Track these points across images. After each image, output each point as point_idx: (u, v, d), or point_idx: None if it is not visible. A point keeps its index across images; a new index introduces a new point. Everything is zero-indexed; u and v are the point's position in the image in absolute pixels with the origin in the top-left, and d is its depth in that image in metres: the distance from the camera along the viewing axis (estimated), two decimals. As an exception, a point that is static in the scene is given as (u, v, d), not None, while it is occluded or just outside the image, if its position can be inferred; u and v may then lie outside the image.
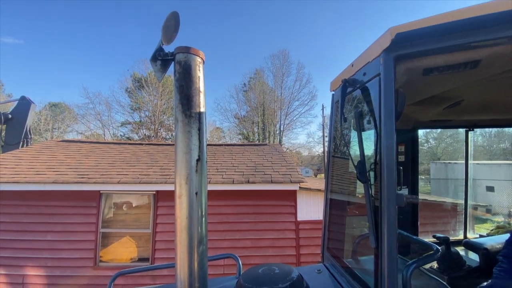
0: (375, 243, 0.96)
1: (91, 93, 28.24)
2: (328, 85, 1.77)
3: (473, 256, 1.93)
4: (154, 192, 4.95)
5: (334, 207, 1.64)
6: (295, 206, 5.15)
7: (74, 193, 4.85)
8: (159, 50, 1.09)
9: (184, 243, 0.93)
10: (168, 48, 1.13)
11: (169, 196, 4.96)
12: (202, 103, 1.06)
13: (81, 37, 39.45)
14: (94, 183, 4.68)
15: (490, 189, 11.32)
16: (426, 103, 1.75)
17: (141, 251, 4.98)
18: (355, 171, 1.18)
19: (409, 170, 2.26)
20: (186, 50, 1.03)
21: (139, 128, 28.38)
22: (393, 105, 1.03)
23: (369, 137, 1.23)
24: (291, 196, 5.13)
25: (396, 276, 0.90)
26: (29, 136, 7.16)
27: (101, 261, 4.86)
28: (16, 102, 7.17)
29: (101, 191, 4.90)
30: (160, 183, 4.74)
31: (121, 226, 5.04)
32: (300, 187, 4.91)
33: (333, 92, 1.69)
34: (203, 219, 0.97)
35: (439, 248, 1.08)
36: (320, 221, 4.88)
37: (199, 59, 1.06)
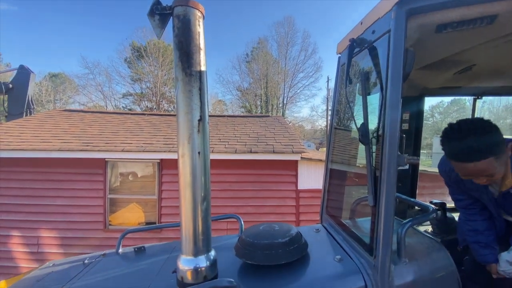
0: (373, 201, 0.99)
1: (90, 62, 27.60)
2: (335, 56, 1.70)
3: None
4: (158, 161, 5.05)
5: (334, 171, 1.67)
6: (296, 176, 5.25)
7: (80, 161, 4.96)
8: (157, 3, 1.03)
9: (188, 199, 0.96)
10: (167, 2, 1.07)
11: (173, 164, 5.06)
12: (202, 61, 1.03)
13: (77, 3, 37.57)
14: (99, 151, 4.76)
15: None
16: (435, 67, 1.69)
17: (148, 216, 5.22)
18: (358, 135, 1.18)
19: (411, 139, 2.25)
20: (185, 2, 0.97)
21: (140, 100, 28.10)
22: (402, 64, 0.99)
23: (374, 100, 1.21)
24: (292, 165, 5.21)
25: (391, 234, 0.94)
26: (32, 107, 7.16)
27: (110, 225, 5.13)
28: (15, 72, 7.06)
29: (106, 159, 5.00)
30: (164, 151, 4.80)
31: (128, 193, 5.23)
32: (301, 157, 4.96)
33: (339, 55, 1.63)
34: (206, 177, 0.99)
35: (435, 208, 1.11)
36: (319, 190, 5.02)
37: (198, 13, 1.00)
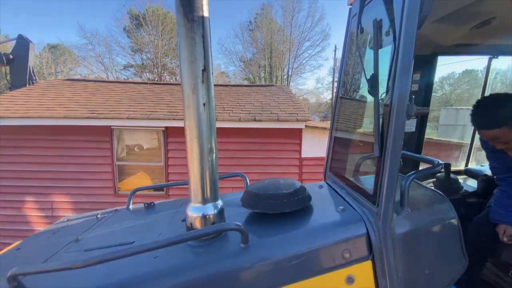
0: (379, 152, 0.99)
1: (88, 32, 26.72)
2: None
3: (472, 183, 2.00)
4: (163, 128, 5.08)
5: (340, 132, 1.66)
6: (300, 144, 5.28)
7: (86, 129, 5.02)
8: None
9: (195, 151, 0.97)
10: None
11: (178, 132, 5.09)
12: (205, 7, 0.97)
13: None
14: (104, 118, 4.78)
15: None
16: (451, 21, 1.58)
17: (155, 183, 5.39)
18: (366, 90, 1.15)
19: (420, 100, 2.19)
20: None
21: (142, 72, 27.50)
22: (418, 7, 0.92)
23: (385, 55, 1.15)
24: (296, 134, 5.21)
25: (395, 183, 0.94)
26: (34, 78, 7.09)
27: (119, 190, 5.33)
28: (14, 42, 6.90)
29: (112, 127, 5.04)
30: (168, 119, 4.81)
31: (135, 160, 5.36)
32: (306, 126, 4.94)
33: (350, 6, 1.52)
34: (212, 130, 0.99)
35: (441, 162, 1.11)
36: (323, 158, 5.07)
37: None
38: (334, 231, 0.96)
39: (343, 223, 0.99)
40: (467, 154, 2.44)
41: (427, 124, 2.39)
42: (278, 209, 1.04)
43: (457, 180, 1.90)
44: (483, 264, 1.67)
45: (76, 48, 26.81)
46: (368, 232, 0.96)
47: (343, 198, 1.21)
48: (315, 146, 5.33)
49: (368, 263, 0.94)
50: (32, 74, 7.02)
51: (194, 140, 0.97)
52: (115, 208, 1.64)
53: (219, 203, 1.03)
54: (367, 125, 1.49)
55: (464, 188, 1.93)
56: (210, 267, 0.84)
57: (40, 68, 24.45)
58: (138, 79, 27.43)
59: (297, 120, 4.85)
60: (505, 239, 1.38)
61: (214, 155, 1.01)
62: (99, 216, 1.51)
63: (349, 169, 1.54)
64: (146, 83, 8.25)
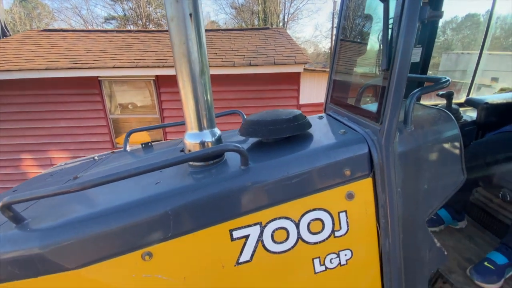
0: (386, 64, 0.91)
1: (59, -23, 23.55)
2: None
3: (473, 114, 1.97)
4: (154, 78, 4.83)
5: (342, 58, 1.54)
6: (297, 90, 5.11)
7: (72, 81, 4.76)
8: None
9: (185, 72, 0.87)
10: None
11: (170, 81, 4.86)
12: None
13: None
14: (89, 68, 4.50)
15: (495, 80, 10.91)
16: None
17: (152, 136, 5.37)
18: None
19: (426, 32, 2.01)
20: None
21: (125, 24, 25.09)
22: None
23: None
24: (294, 79, 5.00)
25: (401, 101, 0.89)
26: (8, 34, 6.47)
27: (117, 144, 5.33)
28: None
29: (99, 78, 4.78)
30: (158, 67, 4.54)
31: (130, 113, 5.24)
32: (304, 69, 4.71)
33: None
34: (202, 45, 0.88)
35: (448, 78, 1.04)
36: (321, 104, 4.99)
37: None
38: (336, 151, 0.94)
39: (344, 144, 0.96)
40: (468, 86, 2.36)
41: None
42: (277, 135, 1.00)
43: (457, 109, 1.87)
44: (475, 187, 1.74)
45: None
46: (370, 151, 0.94)
47: (344, 124, 1.17)
48: (313, 92, 5.18)
49: (369, 180, 0.94)
50: (5, 29, 6.39)
51: (183, 59, 0.87)
52: (112, 151, 1.61)
53: (217, 130, 0.99)
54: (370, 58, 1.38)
55: (464, 117, 1.91)
56: (211, 188, 0.83)
57: (14, 25, 22.28)
58: (122, 31, 25.32)
59: (295, 63, 4.59)
60: None
61: (206, 77, 0.93)
62: (96, 158, 1.49)
63: (350, 99, 1.48)
64: (130, 31, 7.60)
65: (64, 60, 4.73)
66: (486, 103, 1.79)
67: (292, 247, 0.90)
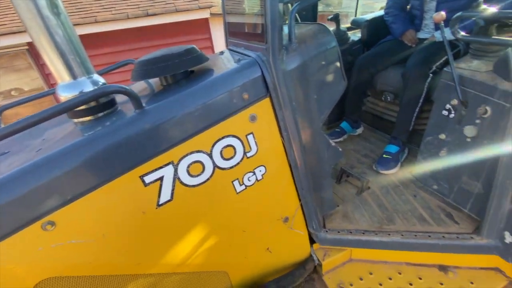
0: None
1: None
2: None
3: (359, 34, 2.21)
4: (26, 47, 3.81)
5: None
6: (210, 39, 4.82)
7: None
8: None
9: (27, 7, 0.70)
10: None
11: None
12: None
13: None
14: None
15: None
16: None
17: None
18: None
19: None
20: None
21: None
22: None
23: None
24: (203, 27, 4.65)
25: (279, 17, 0.91)
26: None
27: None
28: None
29: None
30: (24, 31, 3.56)
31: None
32: (211, 14, 4.39)
33: None
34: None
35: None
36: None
37: None
38: (231, 79, 0.95)
39: (239, 70, 0.98)
40: (355, 8, 2.62)
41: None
42: (171, 71, 0.95)
43: (345, 31, 2.07)
44: (365, 97, 2.07)
45: None
46: (262, 73, 0.99)
47: (241, 53, 1.18)
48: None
49: (267, 100, 1.01)
50: None
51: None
52: None
53: (99, 78, 0.86)
54: None
55: (352, 38, 2.14)
56: (106, 139, 0.76)
57: None
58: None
59: (199, 8, 4.21)
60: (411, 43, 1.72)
61: (62, 15, 0.76)
62: None
63: (245, 30, 1.47)
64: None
65: None
66: (367, 21, 2.03)
67: (211, 176, 0.95)
